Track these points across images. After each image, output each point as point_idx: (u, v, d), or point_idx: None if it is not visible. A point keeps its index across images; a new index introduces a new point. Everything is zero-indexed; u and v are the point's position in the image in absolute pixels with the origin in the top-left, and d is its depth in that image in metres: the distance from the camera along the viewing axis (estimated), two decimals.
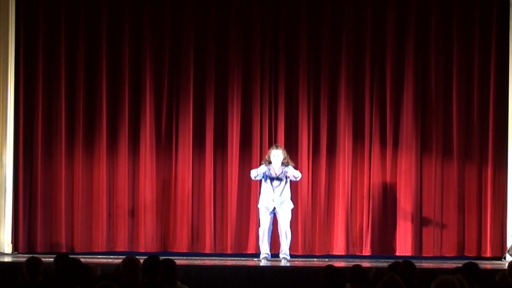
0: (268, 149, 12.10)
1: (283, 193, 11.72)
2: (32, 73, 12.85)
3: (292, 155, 12.55)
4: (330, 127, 12.91)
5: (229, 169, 12.85)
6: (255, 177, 11.78)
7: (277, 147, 11.87)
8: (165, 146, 12.93)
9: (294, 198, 12.04)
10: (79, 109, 12.86)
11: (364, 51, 12.87)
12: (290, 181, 11.83)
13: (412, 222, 12.75)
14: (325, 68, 12.92)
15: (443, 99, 12.87)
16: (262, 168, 11.75)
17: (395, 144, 12.87)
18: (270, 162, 11.80)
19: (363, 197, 12.84)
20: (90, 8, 12.89)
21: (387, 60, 12.88)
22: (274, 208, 11.73)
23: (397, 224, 12.80)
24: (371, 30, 12.88)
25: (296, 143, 12.87)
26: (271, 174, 11.76)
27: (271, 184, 11.72)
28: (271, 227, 11.79)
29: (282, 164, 11.76)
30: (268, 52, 12.95)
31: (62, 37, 12.84)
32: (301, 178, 11.89)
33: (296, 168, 11.95)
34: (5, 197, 12.65)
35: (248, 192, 12.77)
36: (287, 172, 11.72)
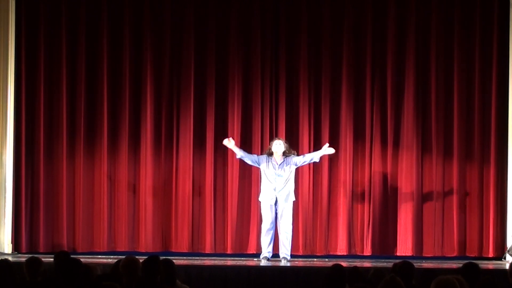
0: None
1: (286, 184, 11.69)
2: (33, 73, 12.86)
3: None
4: (331, 127, 12.91)
5: (229, 169, 12.85)
6: (239, 155, 11.79)
7: (278, 138, 11.97)
8: (166, 146, 12.93)
9: (295, 196, 12.01)
10: (80, 109, 12.87)
11: (364, 50, 12.87)
12: (295, 171, 11.84)
13: (413, 222, 12.74)
14: (326, 67, 12.92)
15: (443, 99, 12.87)
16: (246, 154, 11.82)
17: (396, 143, 12.86)
18: (271, 154, 11.80)
19: (363, 197, 12.84)
20: (90, 9, 12.89)
21: (387, 60, 12.87)
22: (276, 202, 11.71)
23: (398, 224, 12.80)
24: (371, 30, 12.88)
25: (297, 143, 12.86)
26: (271, 162, 11.74)
27: (273, 173, 11.69)
28: (274, 225, 11.78)
29: (284, 154, 11.77)
30: (269, 51, 12.95)
31: (63, 37, 12.85)
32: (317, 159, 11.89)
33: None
34: (5, 197, 12.66)
35: (249, 192, 12.77)
36: (299, 158, 11.74)
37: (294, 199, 11.85)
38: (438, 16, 12.86)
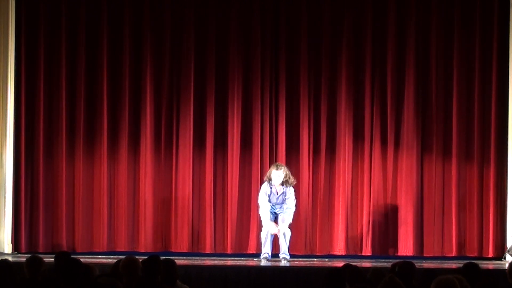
0: (269, 167, 12.11)
1: (284, 207, 11.74)
2: (33, 73, 12.86)
3: (293, 155, 12.57)
4: (331, 127, 12.91)
5: (229, 169, 12.85)
6: (263, 204, 11.79)
7: (277, 168, 11.82)
8: (166, 146, 12.93)
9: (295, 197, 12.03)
10: (80, 109, 12.87)
11: (364, 51, 12.87)
12: (292, 174, 11.87)
13: (413, 222, 12.74)
14: (326, 68, 12.91)
15: (444, 99, 12.87)
16: (263, 196, 11.75)
17: (396, 144, 12.86)
18: (271, 179, 11.80)
19: (363, 197, 12.83)
20: (90, 9, 12.89)
21: (387, 60, 12.87)
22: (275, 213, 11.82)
23: (398, 224, 12.79)
24: (371, 30, 12.88)
25: (297, 143, 12.87)
26: (272, 192, 11.77)
27: (273, 199, 11.74)
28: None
29: (284, 183, 11.75)
30: (269, 52, 12.94)
31: (63, 37, 12.85)
32: (293, 211, 11.87)
33: (295, 188, 11.92)
34: (5, 197, 12.66)
35: (249, 192, 12.77)
36: (287, 197, 11.75)
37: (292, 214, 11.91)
38: (438, 16, 12.85)
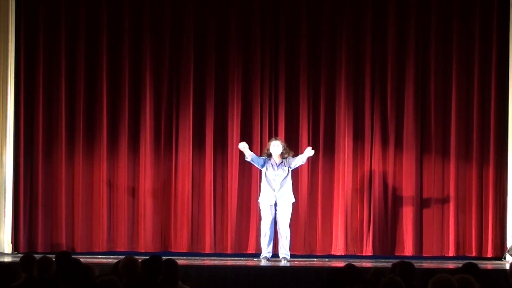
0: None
1: (284, 184, 11.72)
2: (33, 73, 12.86)
3: None
4: (331, 127, 12.91)
5: (229, 169, 12.86)
6: (250, 158, 11.82)
7: (276, 138, 11.94)
8: (165, 146, 12.93)
9: (294, 197, 12.03)
10: (79, 109, 12.87)
11: (364, 50, 12.87)
12: (292, 172, 11.86)
13: (412, 222, 12.74)
14: (326, 67, 12.92)
15: (443, 99, 12.87)
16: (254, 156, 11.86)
17: (396, 143, 12.86)
18: (269, 155, 11.82)
19: (363, 197, 12.83)
20: (90, 9, 12.89)
21: (387, 59, 12.87)
22: (276, 204, 11.73)
23: (398, 224, 12.80)
24: (371, 29, 12.88)
25: (297, 142, 12.86)
26: (271, 164, 11.77)
27: (272, 174, 11.72)
28: (273, 226, 11.79)
29: (282, 155, 11.78)
30: (269, 52, 12.95)
31: (62, 37, 12.85)
32: (310, 156, 11.87)
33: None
34: (5, 197, 12.66)
35: (249, 192, 12.78)
36: (292, 161, 11.77)
37: (293, 200, 11.86)
38: (438, 16, 12.86)
